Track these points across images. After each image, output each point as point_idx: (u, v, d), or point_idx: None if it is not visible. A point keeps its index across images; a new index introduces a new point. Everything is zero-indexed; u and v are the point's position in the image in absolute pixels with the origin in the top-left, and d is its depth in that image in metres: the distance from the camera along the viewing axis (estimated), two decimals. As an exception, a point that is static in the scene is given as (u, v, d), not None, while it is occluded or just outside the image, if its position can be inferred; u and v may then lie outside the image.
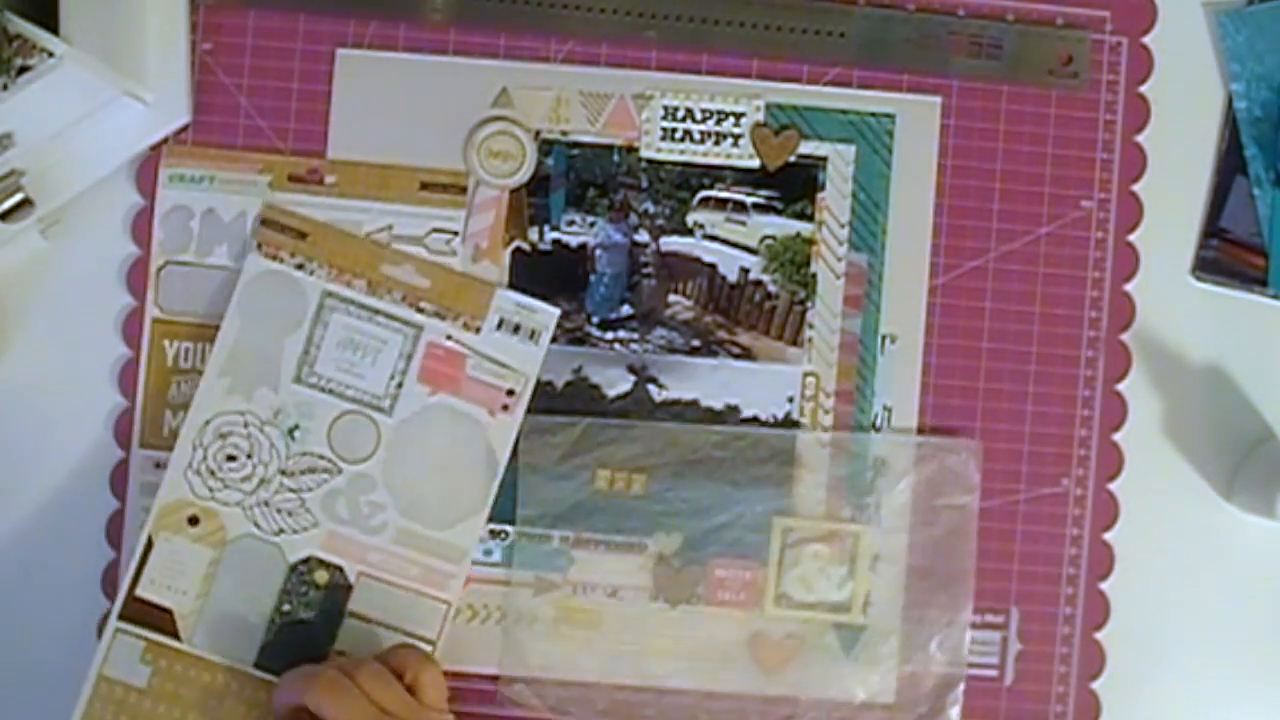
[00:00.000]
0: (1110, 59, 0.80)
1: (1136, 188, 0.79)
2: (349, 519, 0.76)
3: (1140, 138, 0.79)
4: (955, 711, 0.77)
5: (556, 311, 0.77)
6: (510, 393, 0.76)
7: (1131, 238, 0.79)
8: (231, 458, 0.75)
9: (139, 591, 0.75)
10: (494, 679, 0.77)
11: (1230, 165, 0.80)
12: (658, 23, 0.78)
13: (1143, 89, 0.80)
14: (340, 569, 0.75)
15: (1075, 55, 0.79)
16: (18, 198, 0.74)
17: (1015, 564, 0.78)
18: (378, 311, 0.76)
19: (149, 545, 0.75)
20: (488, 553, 0.77)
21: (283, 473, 0.76)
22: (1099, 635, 0.79)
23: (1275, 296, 0.79)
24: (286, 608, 0.75)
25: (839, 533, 0.78)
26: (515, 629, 0.77)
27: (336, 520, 0.76)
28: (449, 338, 0.76)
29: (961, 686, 0.78)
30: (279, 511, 0.75)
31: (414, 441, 0.76)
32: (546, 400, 0.78)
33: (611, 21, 0.78)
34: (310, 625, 0.75)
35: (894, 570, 0.78)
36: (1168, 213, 0.80)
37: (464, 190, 0.78)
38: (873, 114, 0.79)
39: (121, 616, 0.74)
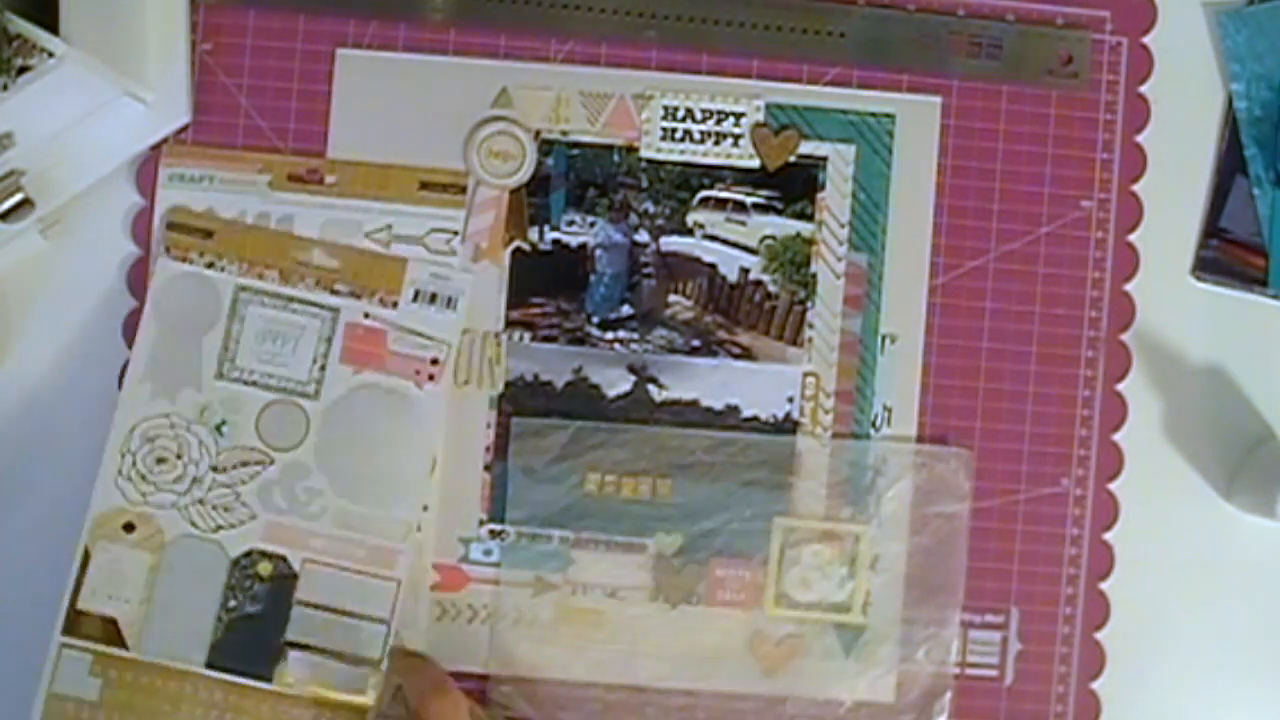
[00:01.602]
0: (1110, 59, 0.80)
1: (1136, 188, 0.79)
2: (287, 508, 0.75)
3: (1140, 138, 0.79)
4: None
5: (470, 275, 0.77)
6: (435, 362, 0.76)
7: (1131, 238, 0.79)
8: (161, 460, 0.75)
9: (80, 604, 0.74)
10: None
11: (1230, 165, 0.80)
12: (658, 23, 0.78)
13: (1143, 89, 0.80)
14: (284, 559, 0.75)
15: (1075, 55, 0.79)
16: (18, 198, 0.74)
17: (1015, 564, 0.78)
18: (293, 299, 0.76)
19: (86, 556, 0.74)
20: (487, 553, 0.77)
21: (214, 469, 0.75)
22: (1099, 635, 0.79)
23: (1275, 296, 0.79)
24: (233, 604, 0.74)
25: (839, 533, 0.78)
26: (508, 630, 0.77)
27: (274, 510, 0.75)
28: (367, 316, 0.76)
29: (949, 695, 0.78)
30: (215, 508, 0.75)
31: (344, 423, 0.76)
32: (546, 400, 0.78)
33: (611, 21, 0.78)
34: (259, 619, 0.74)
35: (894, 571, 0.78)
36: (1168, 213, 0.80)
37: (464, 190, 0.78)
38: (873, 114, 0.79)
39: (65, 631, 0.73)
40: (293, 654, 0.74)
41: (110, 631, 0.74)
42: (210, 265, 0.76)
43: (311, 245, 0.77)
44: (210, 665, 0.74)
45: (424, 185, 0.78)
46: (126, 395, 0.75)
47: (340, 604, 0.75)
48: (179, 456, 0.75)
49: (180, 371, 0.76)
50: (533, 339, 0.78)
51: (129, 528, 0.75)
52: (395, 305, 0.77)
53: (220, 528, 0.75)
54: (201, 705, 0.74)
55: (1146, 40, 0.80)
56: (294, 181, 0.77)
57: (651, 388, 0.78)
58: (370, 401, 0.76)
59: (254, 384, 0.76)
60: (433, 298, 0.76)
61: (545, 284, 0.78)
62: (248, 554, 0.75)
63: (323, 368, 0.76)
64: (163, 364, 0.76)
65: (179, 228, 0.76)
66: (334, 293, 0.76)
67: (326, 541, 0.75)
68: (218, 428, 0.76)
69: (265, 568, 0.75)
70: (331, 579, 0.75)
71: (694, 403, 0.78)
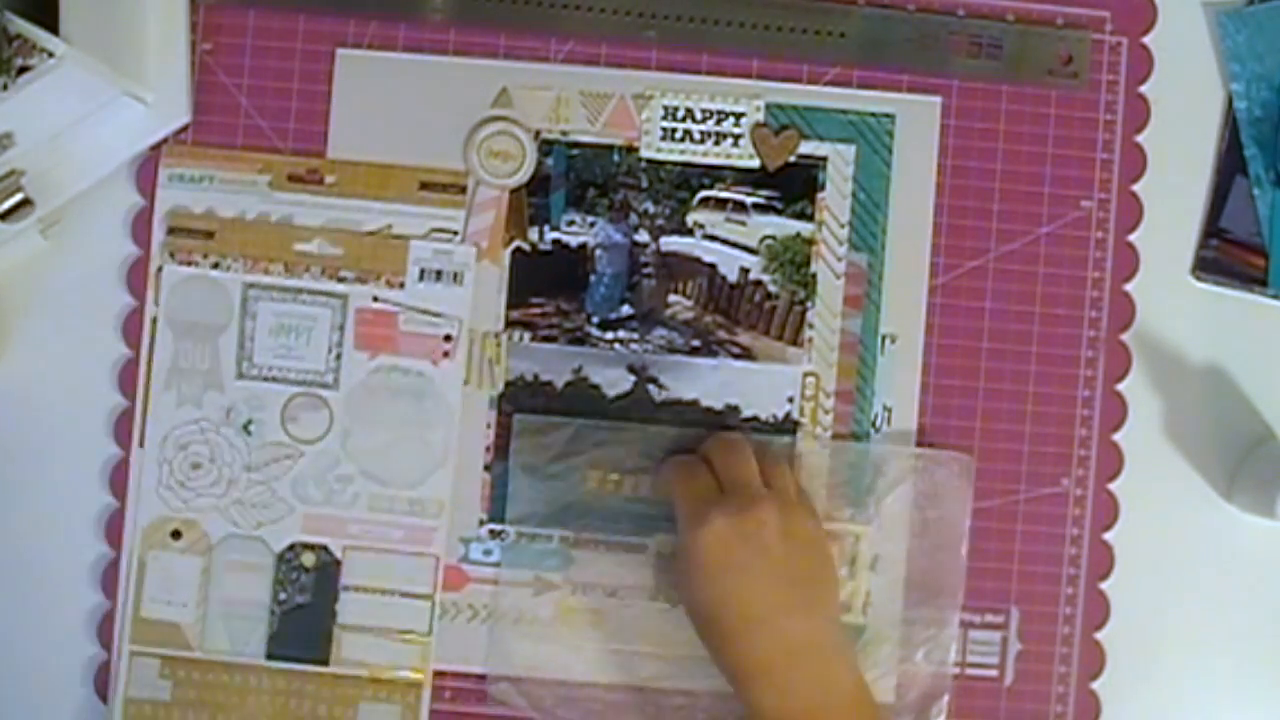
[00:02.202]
0: (1110, 59, 0.80)
1: (1136, 188, 0.79)
2: (322, 499, 0.77)
3: (1140, 138, 0.79)
4: None
5: (471, 248, 0.77)
6: (448, 338, 0.77)
7: (1131, 238, 0.79)
8: (196, 465, 0.77)
9: (143, 613, 0.76)
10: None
11: (1230, 165, 0.80)
12: (658, 23, 0.78)
13: (1143, 89, 0.80)
14: (325, 548, 0.77)
15: (1075, 55, 0.79)
16: (18, 198, 0.74)
17: (1015, 564, 0.78)
18: (301, 291, 0.77)
19: (141, 567, 0.76)
20: (487, 553, 0.77)
21: (248, 468, 0.77)
22: (1099, 635, 0.79)
23: (1275, 296, 0.79)
24: (283, 596, 0.76)
25: (839, 533, 0.78)
26: (507, 629, 0.77)
27: (310, 502, 0.77)
28: (375, 299, 0.77)
29: (946, 697, 0.77)
30: (254, 506, 0.77)
31: (365, 408, 0.77)
32: (546, 400, 0.78)
33: (611, 21, 0.78)
34: (310, 607, 0.76)
35: (894, 572, 0.78)
36: (1168, 213, 0.80)
37: (464, 190, 0.78)
38: (873, 114, 0.79)
39: (133, 640, 0.76)
40: (345, 636, 0.76)
41: (174, 635, 0.76)
42: (215, 266, 0.77)
43: (312, 235, 0.77)
44: (270, 656, 0.76)
45: (424, 185, 0.78)
46: (154, 407, 0.76)
47: (384, 585, 0.77)
48: (212, 460, 0.77)
49: (201, 376, 0.77)
50: (533, 339, 0.78)
51: (176, 535, 0.77)
52: (402, 286, 0.77)
53: (262, 524, 0.77)
54: (266, 693, 0.76)
55: (1146, 40, 0.80)
56: (294, 181, 0.77)
57: (651, 388, 0.78)
58: (388, 385, 0.77)
59: (274, 379, 0.77)
60: (439, 275, 0.77)
61: (545, 284, 0.78)
62: (291, 547, 0.77)
63: (338, 356, 0.77)
64: (183, 371, 0.77)
65: (179, 231, 0.77)
66: (340, 280, 0.77)
67: (364, 527, 0.77)
68: (245, 427, 0.77)
69: (309, 558, 0.77)
70: (373, 562, 0.77)
71: (694, 403, 0.78)
